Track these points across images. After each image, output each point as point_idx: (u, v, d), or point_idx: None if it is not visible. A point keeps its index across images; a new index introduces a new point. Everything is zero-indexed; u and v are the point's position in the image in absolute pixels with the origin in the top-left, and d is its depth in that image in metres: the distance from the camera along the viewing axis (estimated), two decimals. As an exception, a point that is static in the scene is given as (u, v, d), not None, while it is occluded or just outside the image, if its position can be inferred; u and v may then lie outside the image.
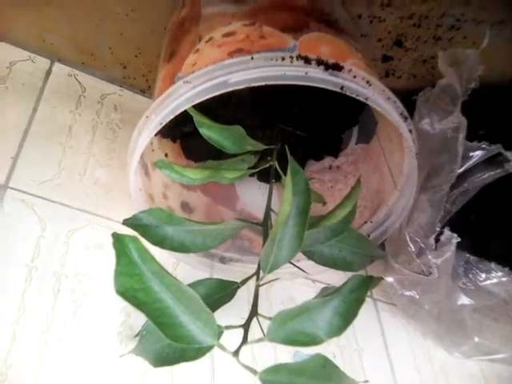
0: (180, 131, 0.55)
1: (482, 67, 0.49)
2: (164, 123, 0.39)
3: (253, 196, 0.60)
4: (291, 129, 0.54)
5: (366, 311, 0.61)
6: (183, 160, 0.58)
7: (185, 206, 0.55)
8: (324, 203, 0.51)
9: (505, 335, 0.56)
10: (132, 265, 0.34)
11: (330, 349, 0.55)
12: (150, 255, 0.35)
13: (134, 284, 0.34)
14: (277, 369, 0.36)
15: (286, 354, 0.50)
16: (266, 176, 0.51)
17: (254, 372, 0.36)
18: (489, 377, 0.62)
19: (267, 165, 0.49)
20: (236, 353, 0.37)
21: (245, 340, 0.39)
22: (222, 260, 0.55)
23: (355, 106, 0.39)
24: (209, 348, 0.38)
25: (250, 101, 0.52)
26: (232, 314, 0.42)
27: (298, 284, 0.57)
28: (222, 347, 0.37)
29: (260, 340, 0.37)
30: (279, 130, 0.54)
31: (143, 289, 0.34)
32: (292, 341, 0.37)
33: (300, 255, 0.47)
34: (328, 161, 0.62)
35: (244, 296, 0.48)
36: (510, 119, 0.57)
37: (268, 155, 0.50)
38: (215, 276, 0.52)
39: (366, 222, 0.52)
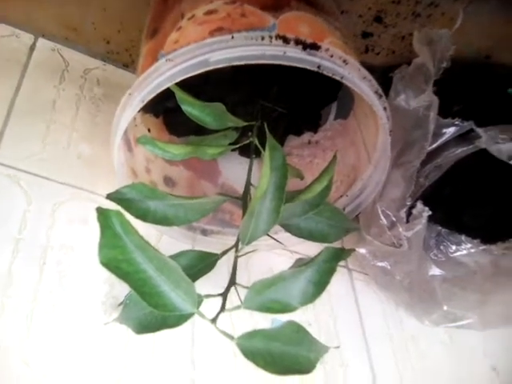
0: (163, 107, 0.56)
1: (454, 47, 0.50)
2: (146, 100, 0.40)
3: (234, 170, 0.61)
4: (271, 105, 0.55)
5: (341, 281, 0.63)
6: (166, 135, 0.59)
7: (167, 180, 0.56)
8: (302, 178, 0.53)
9: (470, 302, 0.58)
10: (115, 237, 0.35)
11: (305, 316, 0.57)
12: (133, 228, 0.36)
13: (117, 255, 0.35)
14: (252, 335, 0.38)
15: (264, 322, 0.53)
16: (248, 151, 0.53)
17: (231, 338, 0.38)
18: (456, 342, 0.65)
19: (248, 141, 0.50)
20: (214, 320, 0.39)
21: (223, 308, 0.40)
22: (204, 232, 0.56)
23: (334, 82, 0.40)
24: (189, 315, 0.40)
25: (231, 78, 0.53)
26: (213, 283, 0.44)
27: (276, 255, 0.59)
28: (201, 315, 0.39)
29: (237, 307, 0.39)
30: (260, 107, 0.55)
31: (126, 260, 0.36)
32: (267, 308, 0.39)
33: (278, 227, 0.49)
34: (307, 136, 0.63)
35: (225, 267, 0.49)
36: (484, 96, 0.59)
37: (249, 131, 0.52)
38: (197, 248, 0.54)
39: (341, 196, 0.54)
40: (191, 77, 0.38)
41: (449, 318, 0.60)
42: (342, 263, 0.63)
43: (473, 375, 0.64)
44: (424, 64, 0.51)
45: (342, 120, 0.61)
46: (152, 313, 0.42)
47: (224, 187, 0.61)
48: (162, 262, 0.37)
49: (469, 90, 0.60)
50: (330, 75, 0.38)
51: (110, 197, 0.42)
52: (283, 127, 0.61)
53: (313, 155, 0.61)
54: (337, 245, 0.62)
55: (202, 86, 0.52)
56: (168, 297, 0.37)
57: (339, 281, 0.62)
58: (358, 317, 0.61)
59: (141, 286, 0.36)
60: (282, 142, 0.63)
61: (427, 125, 0.49)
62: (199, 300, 0.41)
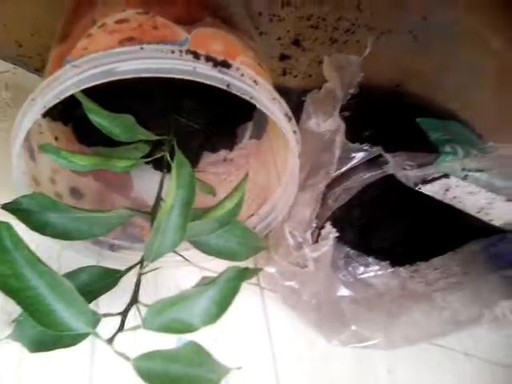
0: (72, 115, 0.53)
1: (363, 74, 0.52)
2: (48, 107, 0.38)
3: (148, 184, 0.59)
4: (185, 120, 0.55)
5: (253, 299, 0.62)
6: (75, 145, 0.56)
7: (74, 192, 0.54)
8: (214, 194, 0.52)
9: (377, 323, 0.60)
10: (4, 251, 0.33)
11: (212, 334, 0.56)
12: (23, 243, 0.34)
13: (5, 270, 0.33)
14: (150, 355, 0.37)
15: (171, 341, 0.51)
16: (162, 165, 0.52)
17: (127, 358, 0.36)
18: (363, 361, 0.66)
19: (160, 155, 0.49)
20: (110, 340, 0.38)
21: (121, 328, 0.39)
22: (112, 248, 0.54)
23: (250, 102, 0.40)
24: (84, 335, 0.38)
25: (143, 90, 0.52)
26: (120, 301, 0.42)
27: (186, 272, 0.58)
28: (96, 335, 0.37)
29: (136, 328, 0.38)
30: (173, 121, 0.54)
31: (15, 275, 0.34)
32: (168, 328, 0.38)
33: (189, 244, 0.48)
34: (223, 153, 0.63)
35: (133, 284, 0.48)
36: (394, 123, 0.61)
37: (163, 145, 0.50)
38: (104, 264, 0.52)
39: (252, 215, 0.54)
40: (103, 86, 0.37)
41: (356, 338, 0.61)
42: (253, 281, 0.63)
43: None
44: (332, 89, 0.52)
45: (256, 140, 0.61)
46: (46, 331, 0.39)
47: (136, 201, 0.59)
48: (54, 278, 0.35)
49: (380, 117, 0.62)
50: (239, 94, 0.38)
51: (5, 207, 0.40)
52: (199, 143, 0.60)
53: (227, 173, 0.61)
54: (250, 264, 0.63)
55: (114, 96, 0.51)
56: (60, 316, 0.35)
57: (250, 299, 0.62)
58: (267, 336, 0.60)
59: (30, 304, 0.34)
60: (197, 158, 0.63)
61: (334, 149, 0.50)
62: (96, 319, 0.39)
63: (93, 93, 0.42)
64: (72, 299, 0.36)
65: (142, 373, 0.36)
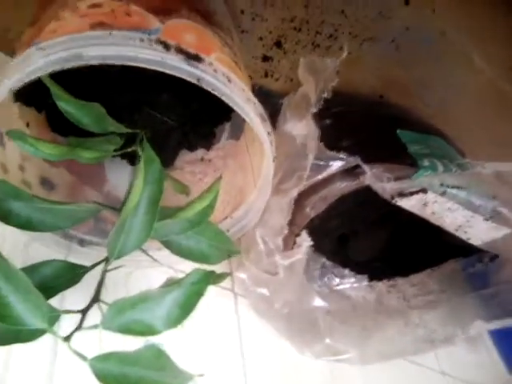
0: (45, 101, 0.51)
1: (337, 79, 0.51)
2: (13, 89, 0.36)
3: (122, 179, 0.58)
4: (159, 116, 0.53)
5: (225, 304, 0.61)
6: (48, 132, 0.55)
7: (45, 182, 0.52)
8: (188, 194, 0.51)
9: (352, 337, 0.59)
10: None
11: (182, 338, 0.54)
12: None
13: (-41, 260, 0.32)
14: (107, 357, 0.35)
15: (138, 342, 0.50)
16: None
17: (84, 358, 0.35)
18: (337, 376, 0.65)
19: (131, 149, 0.48)
20: (67, 338, 0.36)
21: (79, 326, 0.38)
22: (81, 243, 0.52)
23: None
24: (41, 331, 0.36)
25: (118, 79, 0.51)
26: (86, 298, 0.40)
27: (159, 273, 0.57)
28: (53, 332, 0.36)
29: (94, 327, 0.36)
30: (146, 115, 0.53)
31: (-31, 266, 0.32)
32: (128, 329, 0.37)
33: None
34: (201, 152, 0.62)
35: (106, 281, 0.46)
36: (374, 134, 0.60)
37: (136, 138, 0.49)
38: (71, 258, 0.50)
39: (227, 217, 0.52)
40: (75, 73, 0.36)
41: (330, 351, 0.59)
42: (227, 286, 0.62)
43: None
44: (307, 93, 0.51)
45: (234, 141, 0.60)
46: (4, 325, 0.38)
47: (110, 196, 0.58)
48: (10, 271, 0.33)
49: (361, 126, 0.61)
50: (211, 90, 0.37)
51: (-34, 193, 0.38)
52: (176, 140, 0.59)
53: (204, 173, 0.60)
54: (225, 268, 0.61)
55: (86, 85, 0.49)
56: (15, 309, 0.34)
57: (223, 304, 0.60)
58: (238, 343, 0.59)
59: (-16, 295, 0.33)
60: (174, 155, 0.61)
61: (306, 154, 0.49)
62: (55, 315, 0.38)
63: (65, 79, 0.41)
64: (28, 293, 0.34)
65: (99, 374, 0.35)
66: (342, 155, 0.49)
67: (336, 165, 0.50)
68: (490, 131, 0.67)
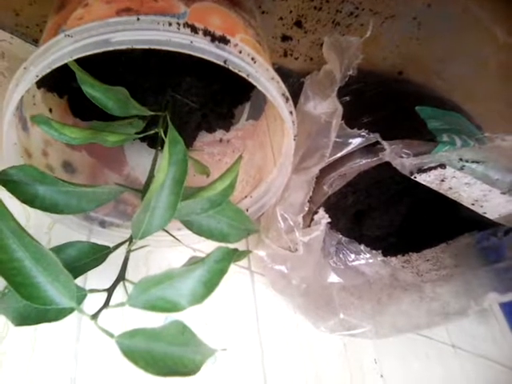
0: (68, 87, 0.52)
1: (362, 56, 0.51)
2: (40, 75, 0.37)
3: (141, 162, 0.59)
4: (182, 98, 0.54)
5: (242, 282, 0.62)
6: (70, 118, 0.56)
7: (67, 166, 0.53)
8: (208, 175, 0.52)
9: (366, 312, 0.60)
10: (-11, 221, 0.33)
11: (202, 315, 0.56)
12: (10, 213, 0.33)
13: (-10, 241, 0.33)
14: (133, 333, 0.36)
15: (159, 320, 0.51)
16: (156, 143, 0.51)
17: (111, 335, 0.36)
18: (350, 350, 0.66)
19: (153, 131, 0.48)
20: (95, 316, 0.37)
21: (106, 304, 0.39)
22: (103, 224, 0.53)
23: (248, 82, 0.40)
24: (69, 310, 0.38)
25: (141, 63, 0.51)
26: (111, 278, 0.41)
27: (178, 253, 0.58)
28: (80, 310, 0.37)
29: (121, 304, 0.37)
30: (170, 98, 0.53)
31: (0, 246, 0.33)
32: (153, 307, 0.38)
33: (181, 224, 0.48)
34: (219, 134, 0.62)
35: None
36: (393, 110, 0.60)
37: (157, 122, 0.50)
38: (93, 239, 0.51)
39: (246, 197, 0.53)
40: (99, 57, 0.36)
41: (344, 325, 0.60)
42: (244, 265, 0.63)
43: (362, 381, 0.65)
44: (331, 71, 0.51)
45: (253, 121, 0.60)
46: (31, 305, 0.39)
47: (129, 178, 0.59)
48: (40, 251, 0.34)
49: (380, 103, 0.61)
50: (237, 71, 0.38)
51: (-5, 177, 0.39)
52: (196, 122, 0.59)
53: (223, 154, 0.60)
54: (242, 247, 0.62)
55: (110, 69, 0.50)
56: (44, 289, 0.35)
57: (240, 282, 0.61)
58: (255, 319, 0.60)
59: (14, 275, 0.34)
60: (193, 137, 0.62)
61: (330, 132, 0.49)
62: (82, 294, 0.39)
63: (88, 64, 0.41)
64: (57, 273, 0.35)
65: (126, 351, 0.36)
66: (362, 132, 0.49)
67: (355, 142, 0.50)
68: (510, 107, 0.67)
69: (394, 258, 0.66)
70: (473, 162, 0.50)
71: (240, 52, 0.37)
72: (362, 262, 0.60)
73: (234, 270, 0.60)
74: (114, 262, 0.44)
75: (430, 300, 0.60)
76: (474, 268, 0.62)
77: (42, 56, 0.36)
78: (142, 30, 0.35)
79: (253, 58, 0.38)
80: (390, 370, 0.67)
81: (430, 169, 0.51)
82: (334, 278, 0.58)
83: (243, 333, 0.58)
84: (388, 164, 0.52)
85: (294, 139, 0.44)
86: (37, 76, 0.37)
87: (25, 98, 0.44)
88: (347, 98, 0.57)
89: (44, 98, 0.51)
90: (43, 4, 0.60)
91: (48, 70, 0.37)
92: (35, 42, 0.64)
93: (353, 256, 0.60)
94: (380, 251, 0.65)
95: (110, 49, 0.35)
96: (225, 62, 0.37)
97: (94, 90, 0.43)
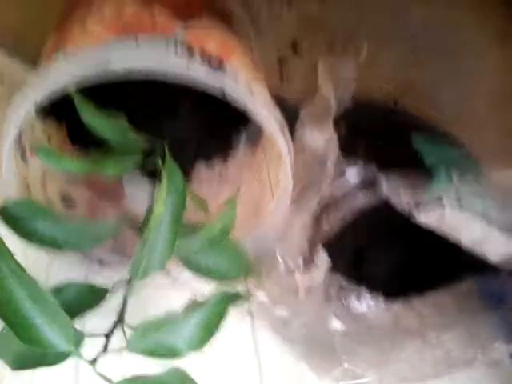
0: (66, 111, 0.52)
1: (356, 81, 0.50)
2: (40, 102, 0.37)
3: (141, 195, 0.58)
4: (180, 125, 0.53)
5: (243, 328, 0.60)
6: (68, 146, 0.55)
7: (66, 199, 0.52)
8: (206, 210, 0.51)
9: (369, 360, 0.58)
10: (-13, 259, 0.32)
11: (200, 361, 0.54)
12: (9, 251, 0.33)
13: (-12, 280, 0.32)
14: (133, 380, 0.35)
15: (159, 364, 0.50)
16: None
17: (110, 382, 0.35)
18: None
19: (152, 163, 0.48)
20: (93, 362, 0.37)
21: (104, 349, 0.38)
22: (101, 262, 0.53)
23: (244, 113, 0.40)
24: (67, 354, 0.36)
25: (139, 91, 0.50)
26: (110, 320, 0.40)
27: (179, 293, 0.56)
28: (79, 355, 0.36)
29: (120, 350, 0.37)
30: (166, 126, 0.53)
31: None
32: (152, 352, 0.37)
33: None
34: (217, 165, 0.62)
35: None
36: (390, 140, 0.60)
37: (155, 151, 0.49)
38: (91, 278, 0.50)
39: (245, 234, 0.52)
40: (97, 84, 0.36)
41: (348, 375, 0.58)
42: (244, 309, 0.61)
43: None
44: (326, 97, 0.51)
45: (250, 152, 0.60)
46: (30, 348, 0.38)
47: (129, 212, 0.58)
48: (39, 292, 0.33)
49: (376, 134, 0.61)
50: (233, 103, 0.38)
51: (-7, 211, 0.38)
52: (192, 151, 0.59)
53: (221, 188, 0.60)
54: (227, 289, 0.60)
55: (107, 95, 0.49)
56: (42, 331, 0.34)
57: (241, 327, 0.60)
58: (257, 368, 0.58)
59: (12, 317, 0.33)
60: (190, 168, 0.61)
61: (325, 164, 0.49)
62: (79, 338, 0.37)
63: (85, 89, 0.41)
64: (55, 315, 0.34)
65: (125, 397, 0.35)
66: (358, 163, 0.49)
67: (351, 173, 0.49)
68: (508, 138, 0.67)
69: (396, 303, 0.65)
70: (470, 197, 0.50)
71: (237, 82, 0.37)
72: (364, 306, 0.59)
73: (234, 314, 0.58)
74: (113, 301, 0.43)
75: (432, 347, 0.59)
76: (477, 314, 0.61)
77: (42, 83, 0.37)
78: (141, 57, 0.35)
79: (250, 90, 0.38)
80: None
81: (428, 206, 0.50)
82: (335, 323, 0.57)
83: (244, 381, 0.57)
84: (387, 203, 0.52)
85: (291, 170, 0.44)
86: (35, 102, 0.37)
87: (23, 126, 0.44)
88: (342, 129, 0.56)
89: (43, 125, 0.51)
90: (42, 26, 0.60)
91: (47, 95, 0.37)
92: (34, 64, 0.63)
93: (354, 300, 0.58)
94: (381, 293, 0.64)
95: (109, 75, 0.35)
96: (223, 94, 0.37)
97: (91, 118, 0.43)
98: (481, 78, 0.65)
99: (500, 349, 0.55)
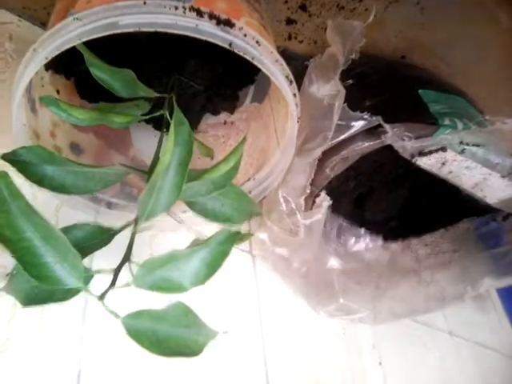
0: (75, 69, 0.53)
1: (365, 40, 0.51)
2: (50, 58, 0.38)
3: (147, 144, 0.59)
4: (187, 80, 0.54)
5: (244, 266, 0.63)
6: (77, 99, 0.56)
7: (74, 147, 0.54)
8: (212, 157, 0.52)
9: (365, 297, 0.60)
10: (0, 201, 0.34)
11: (203, 299, 0.56)
12: (20, 193, 0.34)
13: (0, 220, 0.34)
14: (139, 314, 0.38)
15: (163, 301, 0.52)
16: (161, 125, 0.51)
17: (117, 316, 0.37)
18: (349, 335, 0.67)
19: (159, 113, 0.49)
20: (102, 297, 0.38)
21: (112, 284, 0.39)
22: (109, 205, 0.54)
23: (253, 65, 0.40)
24: (76, 290, 0.39)
25: (148, 47, 0.52)
26: (116, 259, 0.42)
27: (181, 236, 0.58)
28: (87, 290, 0.38)
29: (126, 285, 0.38)
30: (175, 80, 0.53)
31: (10, 226, 0.34)
32: (158, 288, 0.39)
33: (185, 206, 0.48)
34: (224, 116, 0.63)
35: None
36: (396, 94, 0.60)
37: (163, 103, 0.50)
38: (100, 220, 0.52)
39: (249, 179, 0.54)
40: (107, 40, 0.37)
41: (344, 310, 0.61)
42: (246, 248, 0.63)
43: (361, 367, 0.66)
44: (334, 54, 0.51)
45: (257, 103, 0.61)
46: (39, 285, 0.39)
47: (134, 160, 0.59)
48: (48, 231, 0.35)
49: (382, 87, 0.61)
50: (242, 54, 0.38)
51: (4, 157, 0.39)
52: (200, 104, 0.60)
53: (227, 136, 0.61)
54: (244, 229, 0.63)
55: (117, 51, 0.50)
56: (52, 269, 0.35)
57: (242, 266, 0.62)
58: (257, 303, 0.61)
59: (23, 255, 0.34)
60: (198, 119, 0.63)
61: (332, 115, 0.49)
62: (89, 275, 0.40)
63: (96, 47, 0.42)
64: (65, 253, 0.36)
65: (131, 331, 0.37)
66: (364, 115, 0.50)
67: (358, 125, 0.50)
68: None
69: (393, 243, 0.66)
70: (473, 145, 0.51)
71: (245, 35, 0.38)
72: (362, 246, 0.60)
73: (235, 253, 0.60)
74: (118, 243, 0.44)
75: (427, 285, 0.61)
76: (472, 254, 0.63)
77: (51, 38, 0.37)
78: (149, 14, 0.36)
79: (257, 41, 0.38)
80: (387, 356, 0.68)
81: (431, 152, 0.51)
82: (334, 262, 0.59)
83: (244, 316, 0.59)
84: (390, 147, 0.52)
85: (298, 121, 0.45)
86: (46, 58, 0.38)
87: (33, 80, 0.45)
88: (350, 82, 0.57)
89: (52, 80, 0.52)
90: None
91: (57, 53, 0.37)
92: (43, 24, 0.64)
93: (353, 240, 0.60)
94: (380, 236, 0.66)
95: (118, 31, 0.36)
96: (230, 45, 0.37)
97: (101, 72, 0.43)
98: (488, 36, 0.64)
99: (487, 283, 0.56)
